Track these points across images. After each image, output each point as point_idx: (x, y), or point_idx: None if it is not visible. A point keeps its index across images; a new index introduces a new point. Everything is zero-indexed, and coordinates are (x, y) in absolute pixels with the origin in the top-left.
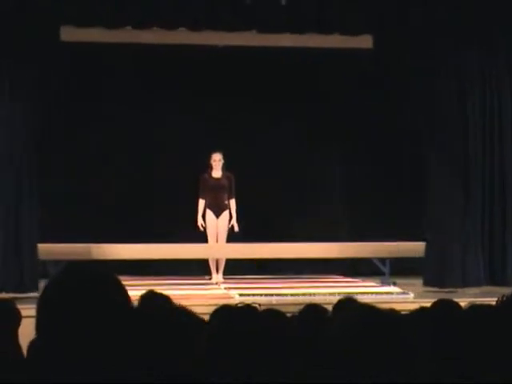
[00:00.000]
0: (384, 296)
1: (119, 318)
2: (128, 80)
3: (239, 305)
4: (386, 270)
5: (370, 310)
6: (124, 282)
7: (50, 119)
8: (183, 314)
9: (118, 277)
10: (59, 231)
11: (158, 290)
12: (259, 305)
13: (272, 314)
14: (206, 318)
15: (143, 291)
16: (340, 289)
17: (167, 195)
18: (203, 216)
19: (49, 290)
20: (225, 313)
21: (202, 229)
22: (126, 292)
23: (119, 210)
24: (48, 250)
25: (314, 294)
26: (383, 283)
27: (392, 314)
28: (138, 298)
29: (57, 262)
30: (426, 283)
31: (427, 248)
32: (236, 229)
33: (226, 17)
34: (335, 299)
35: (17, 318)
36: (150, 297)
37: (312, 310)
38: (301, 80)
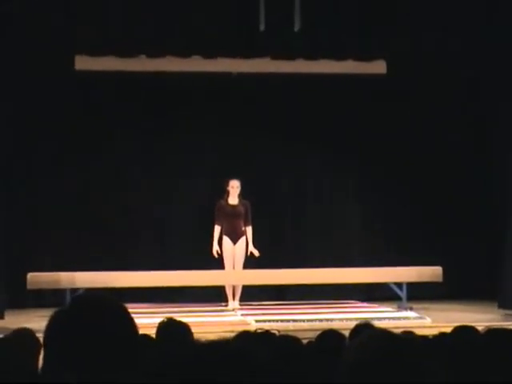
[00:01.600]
0: (401, 321)
1: (124, 347)
2: (140, 107)
3: (258, 331)
4: (402, 294)
5: (386, 335)
6: (139, 310)
7: (62, 146)
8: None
9: (124, 305)
10: (67, 258)
11: (175, 317)
12: (278, 331)
13: (289, 341)
14: None
15: (160, 319)
16: (357, 314)
17: (181, 222)
18: (219, 242)
19: (55, 320)
20: (244, 338)
21: (216, 256)
22: (132, 320)
23: (132, 237)
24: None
25: (331, 320)
26: (400, 308)
27: (409, 339)
28: (155, 325)
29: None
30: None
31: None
32: (256, 254)
33: (239, 44)
34: (352, 324)
35: (37, 346)
36: (169, 324)
37: (329, 336)
38: (315, 105)
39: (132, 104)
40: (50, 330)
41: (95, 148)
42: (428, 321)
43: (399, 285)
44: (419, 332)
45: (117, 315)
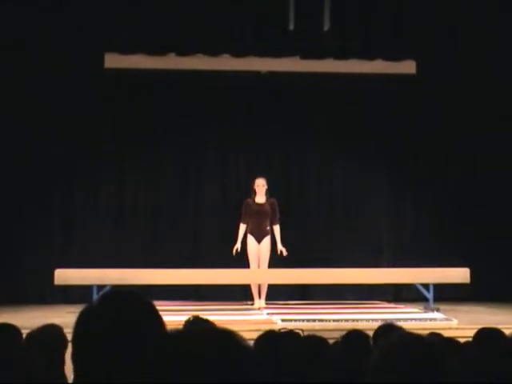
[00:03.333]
0: (427, 322)
1: (153, 345)
2: (169, 106)
3: (282, 330)
4: (429, 295)
5: (411, 337)
6: (165, 308)
7: (91, 146)
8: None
9: (152, 302)
10: (94, 255)
11: (201, 314)
12: (302, 330)
13: (314, 340)
14: (250, 343)
15: (185, 317)
16: (383, 315)
17: (209, 220)
18: (244, 241)
19: (84, 316)
20: (269, 338)
21: (235, 254)
22: (160, 318)
23: (160, 235)
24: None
25: (357, 320)
26: (427, 309)
27: (436, 342)
28: (182, 323)
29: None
30: None
31: None
32: (285, 253)
33: (269, 43)
34: (378, 325)
35: (64, 343)
36: (195, 322)
37: (355, 336)
38: (343, 105)
39: (160, 102)
40: (78, 326)
41: (124, 147)
42: (455, 322)
43: (426, 286)
44: (446, 334)
45: (146, 312)
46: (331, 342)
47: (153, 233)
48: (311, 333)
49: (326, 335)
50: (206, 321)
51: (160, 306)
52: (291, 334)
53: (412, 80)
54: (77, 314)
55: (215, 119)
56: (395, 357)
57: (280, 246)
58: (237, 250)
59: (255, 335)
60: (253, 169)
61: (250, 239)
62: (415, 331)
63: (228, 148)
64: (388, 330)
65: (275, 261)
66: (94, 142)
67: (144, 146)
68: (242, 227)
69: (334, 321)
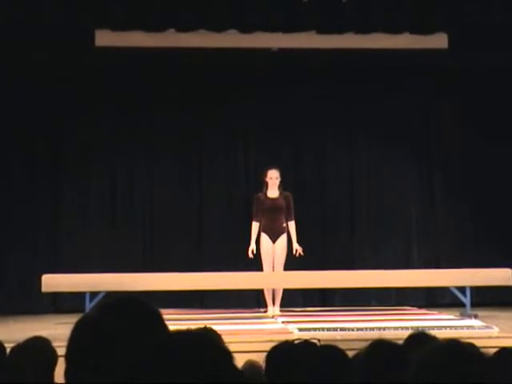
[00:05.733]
0: (464, 330)
1: (157, 356)
2: (168, 88)
3: (296, 341)
4: (466, 300)
5: (453, 347)
6: (171, 316)
7: (85, 136)
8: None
9: (158, 310)
10: (87, 259)
11: (208, 324)
12: (318, 340)
13: (332, 352)
14: (263, 355)
15: (191, 326)
16: (414, 322)
17: (216, 219)
18: (257, 241)
19: (80, 328)
20: (282, 351)
21: (251, 255)
22: (166, 328)
23: (162, 236)
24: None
25: (384, 329)
26: (463, 316)
27: (477, 353)
28: None
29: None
30: None
31: None
32: (301, 252)
33: (280, 17)
34: (407, 333)
35: (53, 358)
36: (199, 331)
37: (381, 347)
38: (365, 84)
39: (158, 84)
40: (73, 339)
41: (117, 134)
42: (495, 330)
43: (462, 289)
44: (485, 343)
45: (152, 322)
46: (353, 353)
47: (152, 233)
48: (330, 343)
49: (348, 346)
50: (212, 330)
51: (163, 314)
52: (307, 344)
53: (443, 55)
54: (70, 326)
55: (220, 103)
56: (437, 371)
57: (296, 245)
58: (253, 251)
59: (269, 346)
60: (262, 158)
61: (264, 238)
62: None
63: (234, 135)
64: (422, 339)
65: (291, 262)
66: (83, 131)
67: (139, 133)
68: (255, 225)
69: (357, 329)
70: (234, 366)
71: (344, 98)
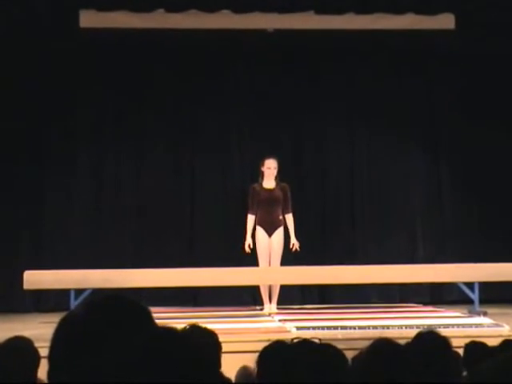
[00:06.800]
0: (472, 329)
1: (148, 357)
2: (157, 72)
3: (295, 340)
4: (474, 296)
5: None
6: (162, 315)
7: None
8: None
9: (148, 309)
10: (73, 254)
11: (202, 323)
12: (319, 340)
13: (331, 352)
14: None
15: (183, 325)
16: (419, 320)
17: (208, 212)
18: (252, 235)
19: (64, 327)
20: (277, 351)
21: (248, 250)
22: (156, 326)
23: (151, 229)
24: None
25: (388, 327)
26: (471, 313)
27: None
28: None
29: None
30: None
31: None
32: (297, 247)
33: None
34: (413, 333)
35: (35, 359)
36: (192, 332)
37: (384, 346)
38: (368, 67)
39: (146, 68)
40: (57, 338)
41: (103, 121)
42: (506, 329)
43: (470, 285)
44: (495, 342)
45: (141, 321)
46: (354, 353)
47: (142, 228)
48: (330, 342)
49: (349, 345)
50: (205, 330)
51: (154, 312)
52: (305, 344)
53: (450, 37)
54: (54, 325)
55: (213, 87)
56: None
57: (293, 240)
58: (249, 245)
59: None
60: (259, 146)
61: (260, 232)
62: (456, 339)
63: (228, 122)
64: (430, 338)
65: (288, 257)
66: (66, 118)
67: (127, 120)
68: (251, 218)
69: (359, 328)
70: (212, 367)
71: (345, 82)
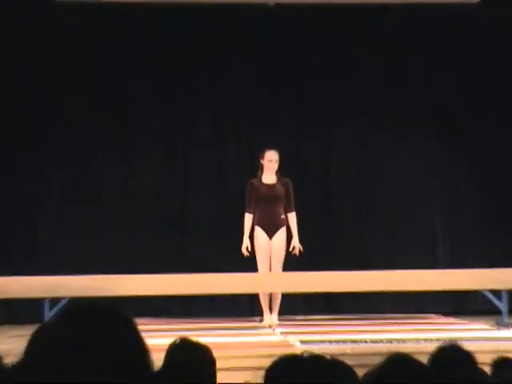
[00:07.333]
0: (500, 343)
1: (130, 374)
2: (144, 50)
3: (305, 355)
4: (502, 306)
5: None
6: (149, 327)
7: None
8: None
9: (133, 320)
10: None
11: (191, 336)
12: (330, 356)
13: (338, 368)
14: (260, 373)
15: (173, 339)
16: (439, 333)
17: (202, 210)
18: (251, 236)
19: (37, 340)
20: (285, 367)
21: (247, 253)
22: (143, 341)
23: (137, 230)
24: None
25: (404, 341)
26: (499, 325)
27: None
28: (165, 348)
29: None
30: None
31: None
32: (297, 251)
33: None
34: (433, 347)
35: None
36: (182, 347)
37: (399, 363)
38: (379, 45)
39: (131, 46)
40: (29, 353)
41: (82, 107)
42: None
43: (498, 293)
44: None
45: (125, 333)
46: (365, 370)
47: (126, 227)
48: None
49: (359, 361)
50: (197, 345)
51: (140, 325)
52: (315, 359)
53: (474, 11)
54: (26, 338)
55: (208, 68)
56: None
57: (296, 242)
58: (247, 248)
59: (266, 362)
60: (258, 137)
61: (259, 233)
62: (482, 354)
63: (225, 107)
64: (453, 354)
65: (291, 261)
66: (46, 103)
67: (110, 106)
68: (249, 217)
69: (371, 342)
70: None
71: (352, 61)
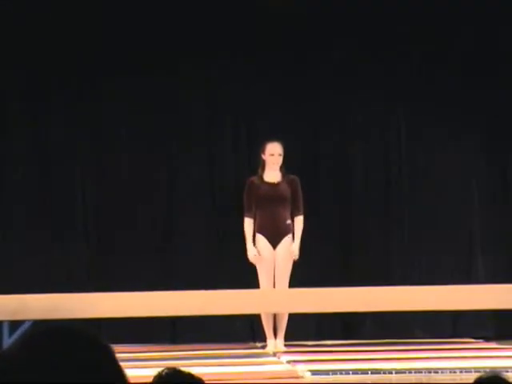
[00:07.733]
0: None
1: None
2: (127, 35)
3: None
4: None
5: None
6: (129, 355)
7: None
8: None
9: (110, 346)
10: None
11: (183, 365)
12: None
13: None
14: None
15: (160, 368)
16: (478, 361)
17: (192, 217)
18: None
19: (3, 362)
20: None
21: (255, 260)
22: (122, 371)
23: (117, 242)
24: None
25: (436, 371)
26: None
27: None
28: (149, 380)
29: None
30: None
31: None
32: (295, 256)
33: None
34: (471, 378)
35: None
36: (172, 377)
37: None
38: (403, 33)
39: (115, 31)
40: None
41: (52, 95)
42: None
43: None
44: None
45: (101, 362)
46: None
47: (102, 235)
48: None
49: None
50: (189, 375)
51: (118, 352)
52: None
53: None
54: None
55: (200, 53)
56: None
57: (294, 246)
58: (256, 255)
59: None
60: (257, 130)
61: (261, 242)
62: None
63: (219, 95)
64: None
65: (299, 275)
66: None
67: (87, 98)
68: (249, 222)
69: (396, 372)
70: None
71: (371, 45)
